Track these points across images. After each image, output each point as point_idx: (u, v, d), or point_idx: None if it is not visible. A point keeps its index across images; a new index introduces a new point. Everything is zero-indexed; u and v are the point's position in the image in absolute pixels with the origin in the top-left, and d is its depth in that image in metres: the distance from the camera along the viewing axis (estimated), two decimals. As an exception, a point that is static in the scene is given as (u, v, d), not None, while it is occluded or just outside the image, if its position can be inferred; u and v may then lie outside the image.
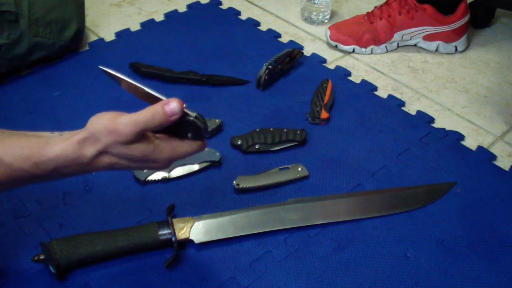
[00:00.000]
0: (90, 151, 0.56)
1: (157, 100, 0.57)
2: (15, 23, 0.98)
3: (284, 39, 1.21)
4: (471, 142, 0.96)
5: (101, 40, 1.17)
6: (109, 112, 0.56)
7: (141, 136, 0.56)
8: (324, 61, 1.15)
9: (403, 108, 1.02)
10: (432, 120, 1.00)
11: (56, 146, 0.56)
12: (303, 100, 1.02)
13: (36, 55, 1.04)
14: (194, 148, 0.60)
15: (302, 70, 1.11)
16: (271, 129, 0.91)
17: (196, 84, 1.04)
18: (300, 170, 0.85)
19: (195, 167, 0.85)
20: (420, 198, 0.83)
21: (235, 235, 0.75)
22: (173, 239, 0.71)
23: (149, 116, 0.55)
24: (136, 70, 1.07)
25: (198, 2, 1.32)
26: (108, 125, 0.54)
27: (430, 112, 1.01)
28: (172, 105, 0.55)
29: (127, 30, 1.21)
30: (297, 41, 1.21)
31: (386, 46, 1.18)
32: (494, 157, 0.92)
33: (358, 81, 1.09)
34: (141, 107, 0.56)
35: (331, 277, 0.72)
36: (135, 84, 0.59)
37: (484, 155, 0.92)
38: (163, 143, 0.58)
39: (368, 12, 1.18)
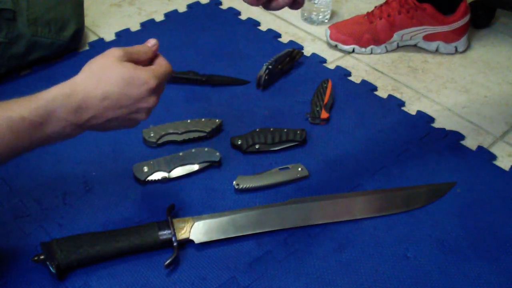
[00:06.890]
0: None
1: None
2: (13, 22, 0.98)
3: (284, 39, 1.21)
4: (471, 142, 0.96)
5: (101, 40, 1.17)
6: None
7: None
8: (324, 61, 1.15)
9: (403, 108, 1.02)
10: (432, 120, 1.00)
11: (55, 88, 0.62)
12: (303, 100, 1.02)
13: (35, 54, 1.04)
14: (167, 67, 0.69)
15: (302, 70, 1.11)
16: (271, 129, 0.91)
17: (196, 84, 1.04)
18: (300, 170, 0.85)
19: (195, 167, 0.85)
20: (420, 198, 0.83)
21: (235, 235, 0.75)
22: (173, 239, 0.71)
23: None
24: (136, 70, 1.06)
25: (198, 2, 1.32)
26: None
27: (430, 112, 1.01)
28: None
29: (127, 30, 1.21)
30: (297, 41, 1.21)
31: (386, 46, 1.17)
32: (494, 157, 0.92)
33: (358, 81, 1.09)
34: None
35: (331, 277, 0.72)
36: None
37: (484, 155, 0.92)
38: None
39: (368, 12, 1.18)
